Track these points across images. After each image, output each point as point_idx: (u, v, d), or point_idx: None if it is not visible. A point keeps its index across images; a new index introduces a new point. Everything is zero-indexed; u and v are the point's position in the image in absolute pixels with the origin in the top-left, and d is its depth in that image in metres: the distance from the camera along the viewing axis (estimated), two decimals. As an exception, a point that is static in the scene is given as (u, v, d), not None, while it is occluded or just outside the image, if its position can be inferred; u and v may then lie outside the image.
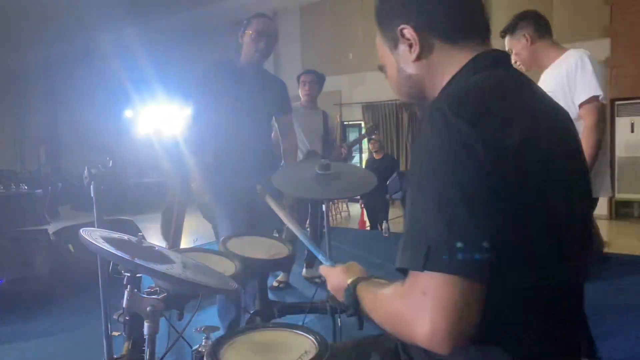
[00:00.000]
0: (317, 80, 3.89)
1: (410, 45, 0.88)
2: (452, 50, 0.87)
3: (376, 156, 6.38)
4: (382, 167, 5.96)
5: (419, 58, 0.88)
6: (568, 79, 2.10)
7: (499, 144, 0.70)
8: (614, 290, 3.54)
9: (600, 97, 2.03)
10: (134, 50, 10.32)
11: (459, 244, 0.66)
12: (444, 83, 0.87)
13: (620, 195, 7.15)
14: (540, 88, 0.89)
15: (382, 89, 9.16)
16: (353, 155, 10.50)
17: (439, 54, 0.88)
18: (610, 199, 7.09)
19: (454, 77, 0.86)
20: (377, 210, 6.15)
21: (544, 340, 0.78)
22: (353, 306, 0.93)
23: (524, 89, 0.84)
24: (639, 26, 6.72)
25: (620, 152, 7.11)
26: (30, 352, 2.82)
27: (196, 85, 2.53)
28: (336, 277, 1.01)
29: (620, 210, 7.22)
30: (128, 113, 11.68)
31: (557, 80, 2.15)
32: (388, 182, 5.90)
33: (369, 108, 9.41)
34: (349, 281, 0.96)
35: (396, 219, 6.83)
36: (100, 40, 11.40)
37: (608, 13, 6.99)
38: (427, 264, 0.67)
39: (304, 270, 4.11)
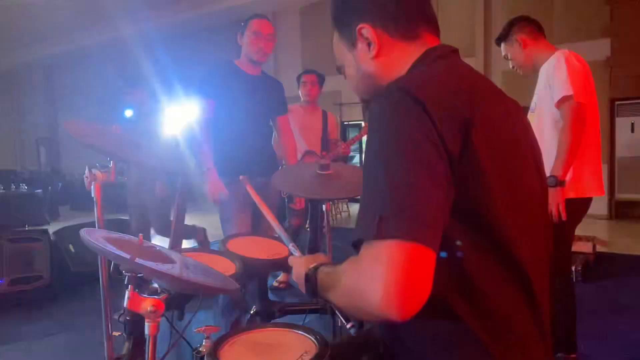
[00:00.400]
0: (317, 80, 3.90)
1: (369, 44, 0.91)
2: (409, 46, 0.90)
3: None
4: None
5: (377, 56, 0.91)
6: (548, 80, 2.11)
7: (456, 125, 0.73)
8: (614, 290, 3.55)
9: (571, 96, 2.02)
10: (134, 50, 10.32)
11: (408, 212, 0.68)
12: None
13: (620, 195, 7.15)
14: (489, 81, 0.92)
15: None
16: (352, 155, 10.52)
17: (397, 51, 0.91)
18: (610, 199, 7.09)
19: (410, 69, 0.89)
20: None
21: (501, 318, 0.78)
22: (312, 290, 0.93)
23: (478, 78, 0.88)
24: (639, 26, 6.72)
25: (620, 152, 7.11)
26: (30, 353, 2.82)
27: (198, 86, 2.54)
28: (300, 265, 1.00)
29: (620, 210, 7.21)
30: (128, 113, 11.69)
31: (542, 82, 2.17)
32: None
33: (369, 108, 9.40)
34: (311, 266, 0.95)
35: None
36: (100, 40, 11.41)
37: (608, 13, 6.98)
38: (379, 232, 0.68)
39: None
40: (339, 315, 1.02)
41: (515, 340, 0.80)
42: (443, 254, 0.74)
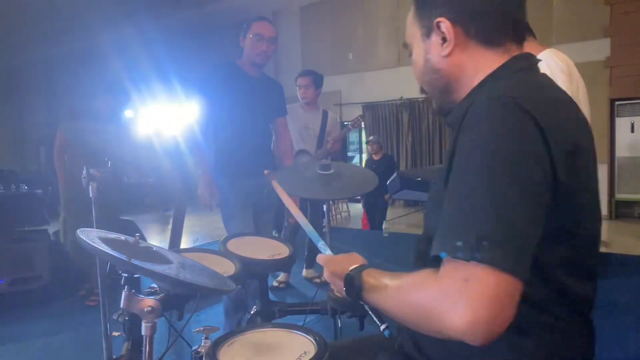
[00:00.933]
0: (313, 82, 3.88)
1: (444, 39, 0.86)
2: (487, 52, 0.86)
3: (375, 157, 6.38)
4: (381, 167, 5.95)
5: (450, 55, 0.87)
6: None
7: (559, 146, 0.71)
8: (614, 290, 3.54)
9: None
10: (135, 50, 10.32)
11: (514, 242, 0.66)
12: (475, 82, 0.86)
13: (620, 195, 7.15)
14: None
15: (382, 89, 9.17)
16: (352, 155, 10.52)
17: (473, 54, 0.86)
18: (610, 199, 7.08)
19: (490, 76, 0.85)
20: (376, 211, 6.15)
21: (567, 339, 0.80)
22: (356, 293, 0.87)
23: (564, 94, 0.85)
24: (639, 26, 6.71)
25: (620, 152, 7.10)
26: (30, 352, 2.82)
27: (200, 86, 2.55)
28: (336, 264, 0.96)
29: (620, 210, 7.21)
30: (128, 113, 11.68)
31: None
32: (388, 183, 5.89)
33: (369, 108, 9.41)
34: (353, 267, 0.90)
35: (396, 219, 6.83)
36: (100, 40, 11.41)
37: (608, 13, 6.98)
38: (478, 254, 0.66)
39: (304, 270, 4.10)
40: (372, 314, 0.95)
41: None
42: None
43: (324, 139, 3.92)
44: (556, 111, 0.76)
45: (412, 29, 0.93)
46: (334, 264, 0.97)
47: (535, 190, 0.69)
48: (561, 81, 2.01)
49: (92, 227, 1.27)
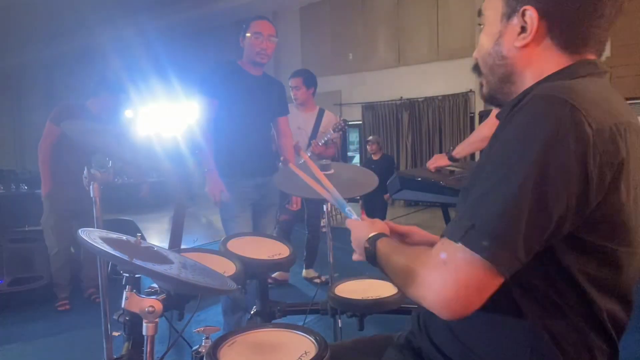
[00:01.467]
0: (303, 82, 3.85)
1: (523, 29, 0.81)
2: (561, 56, 0.81)
3: (374, 157, 6.38)
4: (380, 167, 5.95)
5: (525, 46, 0.82)
6: None
7: (611, 167, 0.69)
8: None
9: None
10: (134, 50, 10.32)
11: (501, 233, 0.67)
12: (535, 79, 0.83)
13: (620, 195, 7.16)
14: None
15: (382, 89, 9.17)
16: (352, 155, 10.52)
17: (545, 53, 0.82)
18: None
19: (550, 76, 0.81)
20: (375, 211, 6.15)
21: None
22: (371, 257, 0.94)
23: (624, 104, 0.81)
24: (639, 26, 6.71)
25: (620, 152, 7.11)
26: (30, 353, 2.82)
27: (200, 85, 2.54)
28: (361, 230, 1.01)
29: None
30: (128, 113, 11.68)
31: None
32: (388, 183, 5.89)
33: (369, 108, 9.41)
34: (372, 234, 0.97)
35: (395, 219, 6.82)
36: (100, 40, 11.40)
37: (608, 13, 6.98)
38: (463, 238, 0.69)
39: (304, 271, 4.10)
40: None
41: None
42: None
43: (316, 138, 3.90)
44: (611, 124, 0.70)
45: (494, 1, 0.85)
46: (359, 229, 1.02)
47: (553, 202, 0.67)
48: None
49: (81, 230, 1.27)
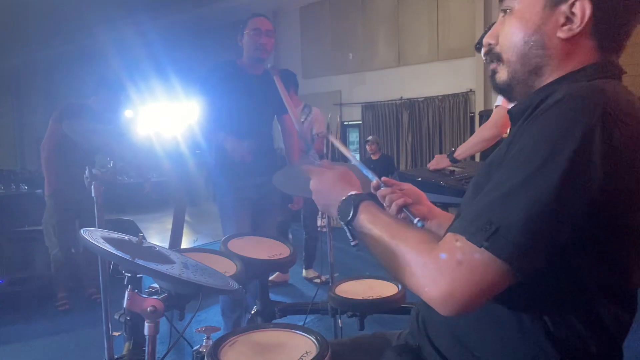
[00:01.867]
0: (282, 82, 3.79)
1: (568, 20, 0.78)
2: (597, 53, 0.80)
3: (373, 157, 6.39)
4: (379, 167, 5.95)
5: (566, 39, 0.78)
6: None
7: (620, 175, 0.67)
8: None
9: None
10: (135, 50, 10.32)
11: (526, 240, 0.66)
12: (556, 74, 0.81)
13: (620, 196, 7.15)
14: None
15: (382, 89, 9.16)
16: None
17: (584, 50, 0.79)
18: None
19: (575, 73, 0.79)
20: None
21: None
22: (345, 219, 0.87)
23: None
24: (639, 26, 6.71)
25: (620, 152, 7.11)
26: (30, 352, 2.82)
27: (201, 85, 2.54)
28: (328, 179, 0.95)
29: (621, 211, 7.22)
30: (128, 113, 11.68)
31: None
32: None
33: (369, 108, 9.41)
34: (352, 192, 0.90)
35: (396, 219, 6.80)
36: (100, 40, 11.40)
37: (608, 13, 6.99)
38: (487, 242, 0.67)
39: (304, 271, 4.11)
40: None
41: None
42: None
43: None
44: (635, 139, 0.68)
45: None
46: (328, 179, 0.96)
47: (574, 204, 0.66)
48: None
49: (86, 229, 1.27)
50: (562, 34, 0.78)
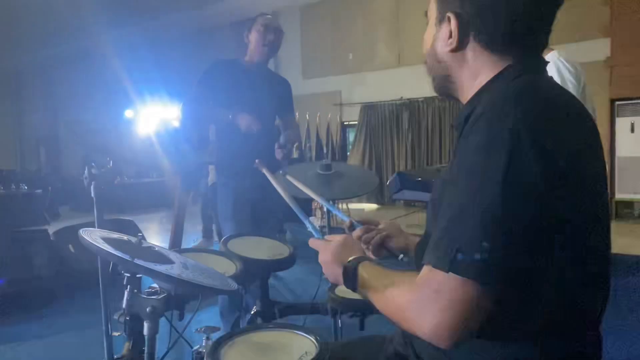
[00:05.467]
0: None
1: (450, 35, 0.85)
2: (492, 56, 0.84)
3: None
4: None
5: (453, 51, 0.85)
6: None
7: (559, 162, 0.70)
8: (614, 290, 3.54)
9: None
10: (135, 50, 10.32)
11: (488, 254, 0.66)
12: (476, 84, 0.85)
13: (620, 195, 7.15)
14: (569, 92, 0.87)
15: (382, 89, 9.16)
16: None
17: (476, 56, 0.85)
18: (610, 199, 7.09)
19: (490, 82, 0.83)
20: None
21: (567, 343, 0.78)
22: (351, 284, 0.90)
23: (568, 97, 0.83)
24: (638, 26, 6.71)
25: (620, 152, 7.10)
26: (30, 352, 2.82)
27: (201, 84, 2.52)
28: (331, 251, 0.96)
29: (621, 211, 7.21)
30: (128, 113, 11.69)
31: None
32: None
33: (369, 108, 9.41)
34: (351, 258, 0.92)
35: (396, 219, 6.82)
36: (100, 40, 11.40)
37: (608, 13, 6.97)
38: (453, 266, 0.68)
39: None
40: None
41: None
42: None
43: None
44: (560, 127, 0.73)
45: (433, 6, 0.90)
46: (326, 252, 0.97)
47: (523, 207, 0.68)
48: (572, 85, 2.02)
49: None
50: (446, 47, 0.86)
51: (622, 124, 7.08)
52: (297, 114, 9.32)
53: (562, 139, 0.71)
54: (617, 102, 7.02)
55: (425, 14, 0.93)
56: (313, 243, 1.03)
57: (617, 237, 5.88)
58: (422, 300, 0.71)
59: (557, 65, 2.06)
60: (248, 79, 2.51)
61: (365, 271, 0.88)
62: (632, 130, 7.02)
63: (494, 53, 0.83)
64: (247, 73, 2.53)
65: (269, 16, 2.55)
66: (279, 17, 10.23)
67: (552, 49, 2.19)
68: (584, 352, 0.80)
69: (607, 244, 0.82)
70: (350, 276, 0.89)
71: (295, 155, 8.16)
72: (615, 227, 6.71)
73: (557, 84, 0.86)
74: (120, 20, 10.16)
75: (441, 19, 0.86)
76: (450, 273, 0.68)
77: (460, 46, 0.84)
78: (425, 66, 0.94)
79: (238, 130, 2.49)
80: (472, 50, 0.84)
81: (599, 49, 6.84)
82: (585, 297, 0.78)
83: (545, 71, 0.86)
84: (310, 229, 1.10)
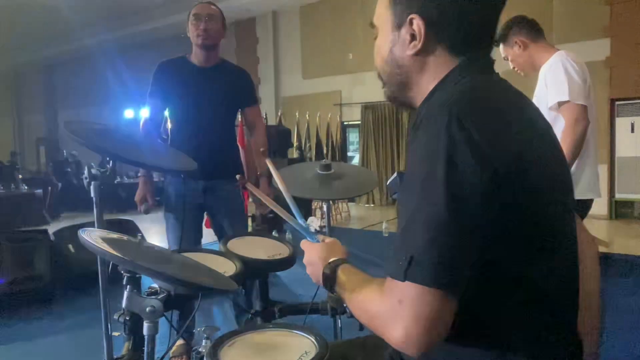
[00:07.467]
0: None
1: (413, 37, 0.83)
2: (453, 58, 0.84)
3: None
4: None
5: (416, 54, 0.84)
6: (545, 82, 2.11)
7: (498, 161, 0.69)
8: (614, 290, 3.54)
9: (567, 101, 2.02)
10: (135, 50, 10.31)
11: (439, 259, 0.67)
12: (430, 86, 0.85)
13: (620, 195, 7.15)
14: (519, 92, 0.87)
15: (382, 89, 9.16)
16: (351, 155, 10.50)
17: (437, 58, 0.84)
18: (610, 199, 7.08)
19: (440, 83, 0.84)
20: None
21: (538, 344, 0.77)
22: (329, 284, 0.91)
23: (514, 97, 0.84)
24: (639, 26, 6.71)
25: (620, 152, 7.10)
26: (30, 352, 2.82)
27: (151, 87, 2.40)
28: (316, 252, 0.98)
29: (620, 210, 7.21)
30: (128, 113, 11.69)
31: (541, 84, 2.16)
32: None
33: (369, 108, 9.41)
34: (332, 259, 0.93)
35: (396, 219, 6.82)
36: (101, 40, 11.40)
37: (608, 13, 6.98)
38: (408, 274, 0.69)
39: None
40: None
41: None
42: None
43: None
44: (497, 127, 0.73)
45: (385, 12, 0.88)
46: (315, 251, 0.99)
47: (467, 209, 0.68)
48: (577, 86, 2.02)
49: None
50: (409, 51, 0.84)
51: (622, 124, 7.08)
52: (297, 114, 9.35)
53: (499, 140, 0.71)
54: (617, 102, 7.02)
55: (371, 24, 0.92)
56: (303, 244, 1.05)
57: (617, 237, 5.89)
58: (388, 312, 0.72)
59: (564, 65, 2.05)
60: (191, 76, 2.36)
61: (344, 274, 0.89)
62: (632, 130, 7.02)
63: (452, 54, 0.83)
64: (191, 70, 2.37)
65: (203, 3, 2.38)
66: (279, 17, 10.25)
67: (558, 49, 2.19)
68: (561, 357, 0.79)
69: (569, 245, 0.81)
70: (329, 277, 0.91)
71: (295, 155, 8.16)
72: (615, 227, 6.74)
73: (506, 86, 0.85)
74: (120, 20, 10.16)
75: (400, 23, 0.85)
76: (407, 282, 0.69)
77: (423, 48, 0.83)
78: (382, 75, 0.93)
79: (189, 131, 2.36)
80: (434, 52, 0.84)
81: (599, 49, 6.85)
82: (552, 299, 0.77)
83: (494, 72, 0.86)
84: (302, 231, 1.11)
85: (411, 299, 0.69)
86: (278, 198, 1.37)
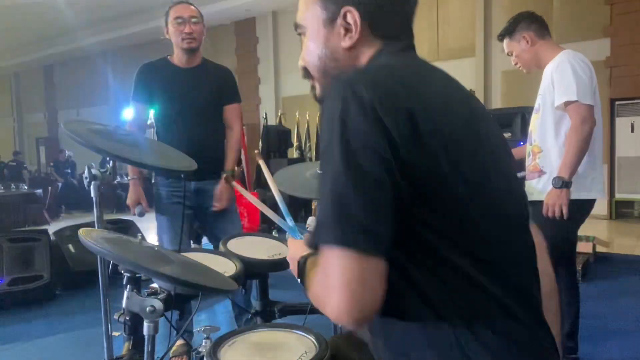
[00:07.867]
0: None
1: (347, 30, 0.84)
2: (383, 45, 0.85)
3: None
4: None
5: (351, 48, 0.85)
6: (552, 80, 2.10)
7: (408, 126, 0.70)
8: (614, 290, 3.54)
9: (575, 101, 2.01)
10: (135, 49, 10.31)
11: (343, 218, 0.67)
12: None
13: (620, 195, 7.15)
14: (445, 73, 0.86)
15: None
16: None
17: (370, 49, 0.85)
18: (610, 199, 7.08)
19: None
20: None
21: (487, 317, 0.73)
22: (300, 278, 0.90)
23: (432, 72, 0.84)
24: (639, 26, 6.71)
25: (620, 152, 7.10)
26: (30, 352, 2.82)
27: (134, 89, 2.40)
28: (298, 247, 0.97)
29: (620, 210, 7.21)
30: (127, 113, 11.71)
31: (545, 82, 2.14)
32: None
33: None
34: (305, 253, 0.92)
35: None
36: (100, 40, 11.41)
37: (608, 13, 6.98)
38: (323, 241, 0.68)
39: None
40: None
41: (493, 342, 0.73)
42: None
43: None
44: (396, 87, 0.73)
45: (312, 9, 0.88)
46: (295, 247, 0.99)
47: (369, 173, 0.67)
48: (582, 84, 2.01)
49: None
50: (345, 43, 0.85)
51: (622, 124, 7.08)
52: (297, 114, 9.32)
53: (390, 99, 0.71)
54: (617, 102, 7.02)
55: (296, 26, 0.92)
56: (288, 242, 1.06)
57: (617, 237, 5.89)
58: (321, 288, 0.73)
59: (572, 64, 2.04)
60: (176, 77, 2.37)
61: (310, 263, 0.88)
62: (632, 130, 7.02)
63: (386, 42, 0.85)
64: (172, 71, 2.38)
65: (183, 4, 2.37)
66: (279, 17, 10.25)
67: (564, 48, 2.18)
68: (513, 337, 0.74)
69: (498, 212, 0.78)
70: (300, 270, 0.90)
71: (295, 155, 8.16)
72: (615, 226, 6.74)
73: (421, 62, 0.85)
74: (120, 20, 10.16)
75: (333, 18, 0.85)
76: (326, 251, 0.68)
77: (358, 39, 0.84)
78: (314, 74, 0.92)
79: (174, 131, 2.36)
80: (368, 43, 0.85)
81: (599, 49, 6.85)
82: (484, 270, 0.73)
83: (412, 51, 0.87)
84: (286, 229, 1.13)
85: (333, 268, 0.67)
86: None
